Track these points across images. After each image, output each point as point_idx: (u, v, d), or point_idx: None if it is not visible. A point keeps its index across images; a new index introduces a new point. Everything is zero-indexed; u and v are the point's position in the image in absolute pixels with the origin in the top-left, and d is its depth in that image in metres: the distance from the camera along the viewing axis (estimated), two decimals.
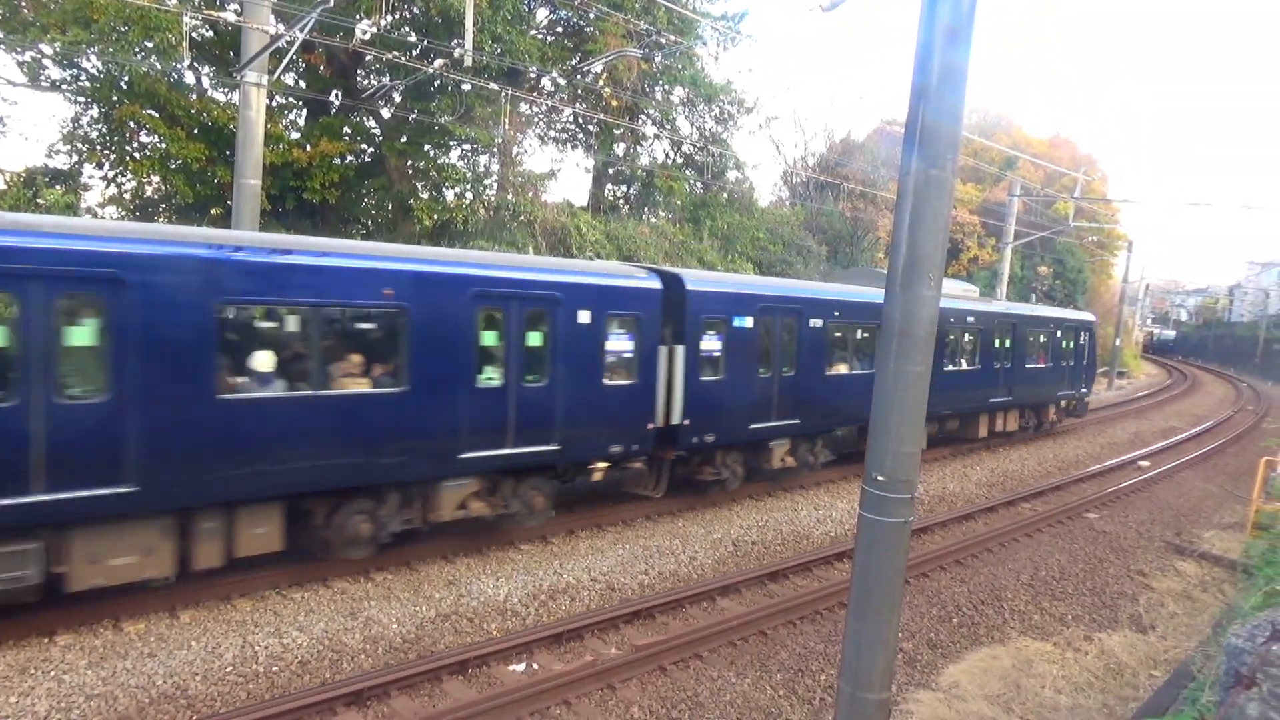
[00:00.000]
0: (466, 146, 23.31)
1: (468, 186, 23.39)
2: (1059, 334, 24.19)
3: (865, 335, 16.39)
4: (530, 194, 23.58)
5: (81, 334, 7.63)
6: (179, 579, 8.59)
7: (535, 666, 8.15)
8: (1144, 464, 21.32)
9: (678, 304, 12.70)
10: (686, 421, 12.80)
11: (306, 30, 12.47)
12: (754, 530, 13.09)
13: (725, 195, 29.50)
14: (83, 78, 18.57)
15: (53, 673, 7.28)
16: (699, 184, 29.16)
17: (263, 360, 8.77)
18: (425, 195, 22.65)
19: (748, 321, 13.66)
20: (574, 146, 28.36)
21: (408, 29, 20.75)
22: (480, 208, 23.03)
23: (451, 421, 10.13)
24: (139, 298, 7.73)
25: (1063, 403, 25.38)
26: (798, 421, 14.72)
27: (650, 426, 12.37)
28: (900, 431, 5.14)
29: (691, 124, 28.85)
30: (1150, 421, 30.48)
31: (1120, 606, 11.16)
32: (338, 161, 19.93)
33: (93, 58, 17.80)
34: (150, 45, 16.79)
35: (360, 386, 9.47)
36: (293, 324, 9.08)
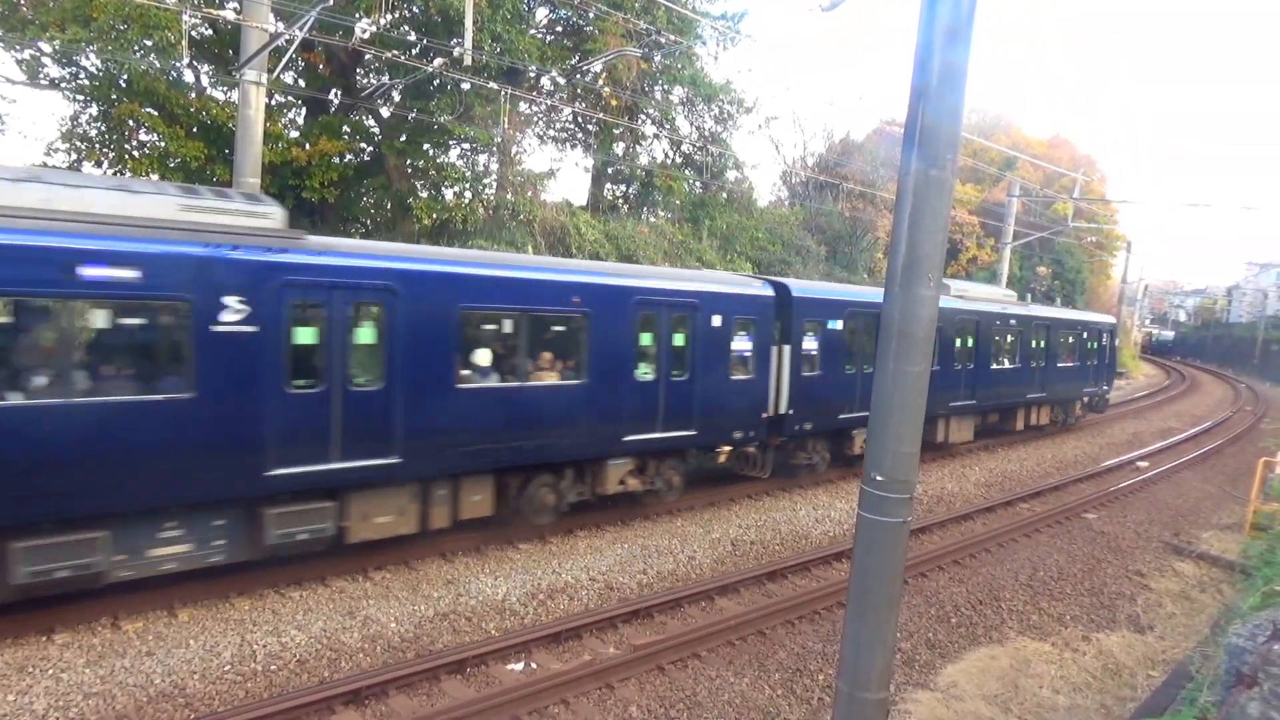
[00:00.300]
0: (466, 145, 23.27)
1: (467, 186, 23.36)
2: (1085, 335, 26.12)
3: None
4: (529, 193, 23.55)
5: (365, 334, 9.56)
6: (178, 578, 8.62)
7: (533, 666, 8.16)
8: (1142, 464, 21.34)
9: (785, 309, 14.66)
10: (791, 411, 14.77)
11: (306, 29, 12.46)
12: (752, 530, 13.10)
13: (724, 195, 29.49)
14: (82, 76, 18.54)
15: (51, 671, 7.28)
16: (698, 184, 29.16)
17: (483, 356, 10.70)
18: (424, 194, 22.61)
19: (838, 324, 15.74)
20: (573, 146, 28.34)
21: (407, 28, 20.73)
22: (479, 207, 23.00)
23: (617, 409, 12.01)
24: (406, 306, 9.67)
25: (1086, 399, 27.11)
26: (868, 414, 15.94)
27: (764, 415, 14.40)
28: (899, 431, 5.14)
29: (691, 124, 28.84)
30: (1149, 422, 30.51)
31: (1118, 607, 11.17)
32: (337, 160, 19.90)
33: (92, 56, 17.76)
34: (149, 43, 16.75)
35: (551, 379, 11.36)
36: (507, 326, 10.99)
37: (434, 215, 21.61)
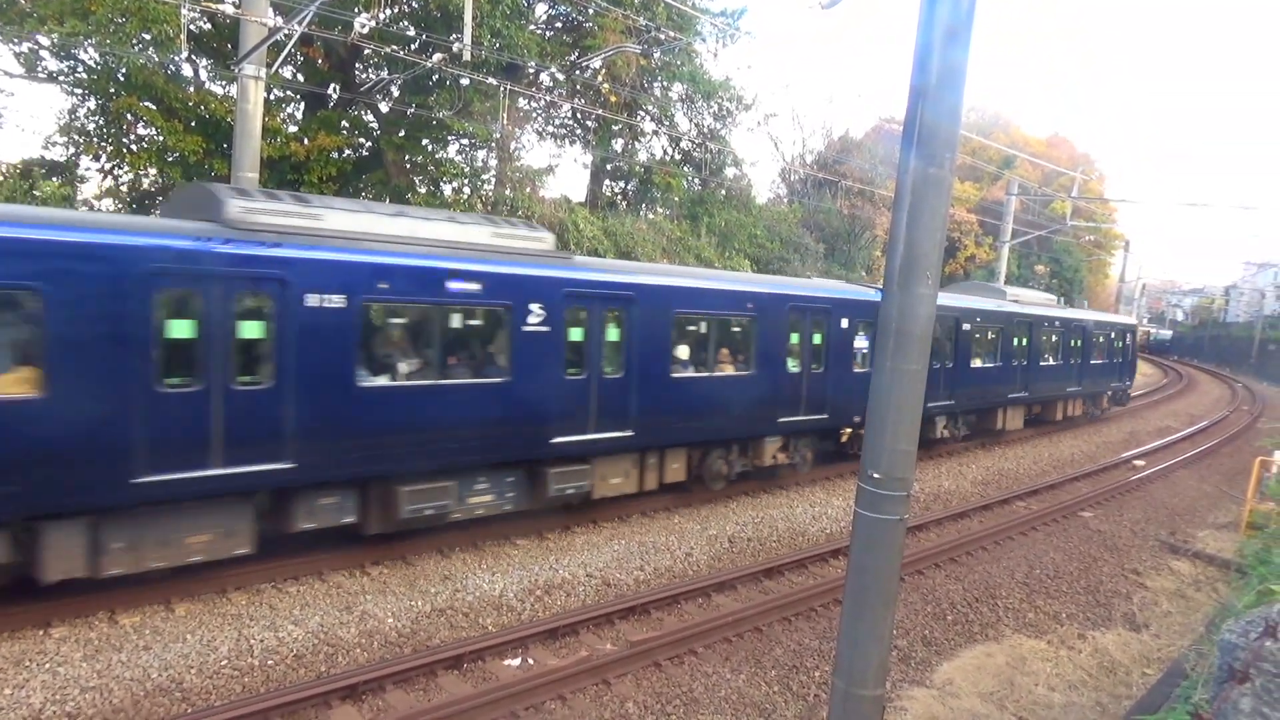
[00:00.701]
0: (464, 141, 23.27)
1: (465, 181, 23.37)
2: (1112, 335, 28.98)
3: (992, 336, 21.39)
4: (528, 189, 23.55)
5: (612, 333, 12.01)
6: (174, 574, 8.63)
7: (530, 661, 8.17)
8: (1139, 463, 21.38)
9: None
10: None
11: (305, 23, 12.44)
12: (750, 527, 13.11)
13: (723, 192, 29.49)
14: (80, 69, 18.50)
15: (48, 665, 7.28)
16: (697, 180, 29.15)
17: (684, 351, 13.17)
18: (423, 190, 22.61)
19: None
20: (572, 142, 28.34)
21: (406, 23, 20.70)
22: (478, 203, 22.99)
23: (774, 395, 14.46)
24: (639, 311, 12.15)
25: (1111, 392, 29.93)
26: (952, 403, 19.59)
27: None
28: (897, 429, 5.15)
29: (690, 120, 28.84)
30: (1146, 421, 30.55)
31: (1114, 605, 11.20)
32: (335, 155, 19.89)
33: (90, 49, 17.73)
34: (148, 37, 16.73)
35: (729, 370, 13.84)
36: (702, 327, 13.46)
37: None
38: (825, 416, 15.62)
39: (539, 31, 23.28)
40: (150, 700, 6.99)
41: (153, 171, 18.60)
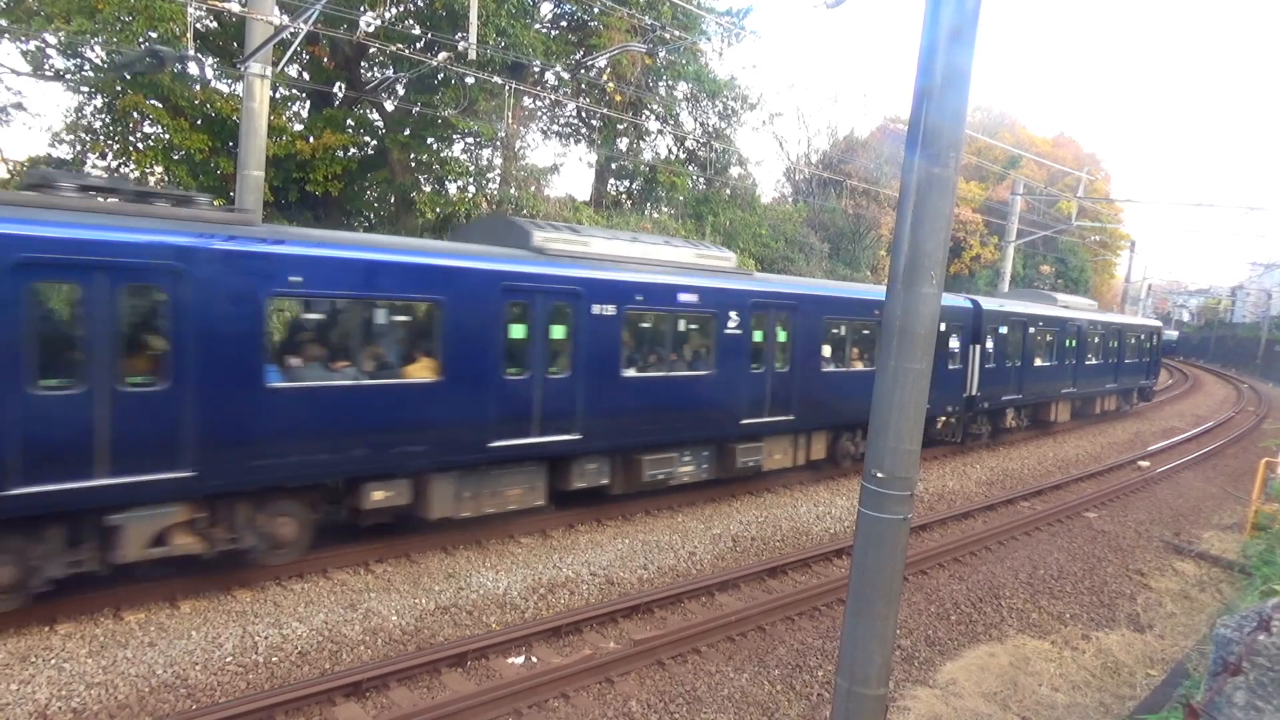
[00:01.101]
0: (469, 140, 23.30)
1: (470, 180, 23.37)
2: (1142, 337, 31.88)
3: (1050, 338, 23.73)
4: (533, 188, 23.57)
5: (781, 334, 14.48)
6: (179, 572, 8.65)
7: (534, 660, 8.18)
8: (1144, 464, 21.33)
9: (977, 317, 19.85)
10: (978, 393, 20.08)
11: (310, 22, 12.48)
12: (754, 526, 13.11)
13: (728, 191, 29.46)
14: (87, 68, 18.56)
15: (53, 661, 7.31)
16: (702, 180, 29.12)
17: (829, 350, 15.59)
18: (428, 188, 22.64)
19: (1005, 329, 20.94)
20: (577, 141, 28.35)
21: (411, 22, 20.73)
22: (483, 201, 23.00)
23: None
24: (800, 316, 14.73)
25: (1139, 389, 32.89)
26: (1020, 397, 22.22)
27: (964, 395, 19.70)
28: (900, 429, 5.14)
29: (695, 119, 28.81)
30: (1151, 422, 30.48)
31: (1118, 605, 11.18)
32: (341, 154, 19.92)
33: (97, 48, 17.79)
34: (154, 36, 16.77)
35: (860, 366, 16.18)
36: (842, 330, 16.03)
37: (437, 209, 21.63)
38: (928, 406, 18.25)
39: (544, 30, 23.29)
40: (155, 696, 7.02)
41: (159, 169, 18.65)
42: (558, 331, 11.26)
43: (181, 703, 7.01)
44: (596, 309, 11.52)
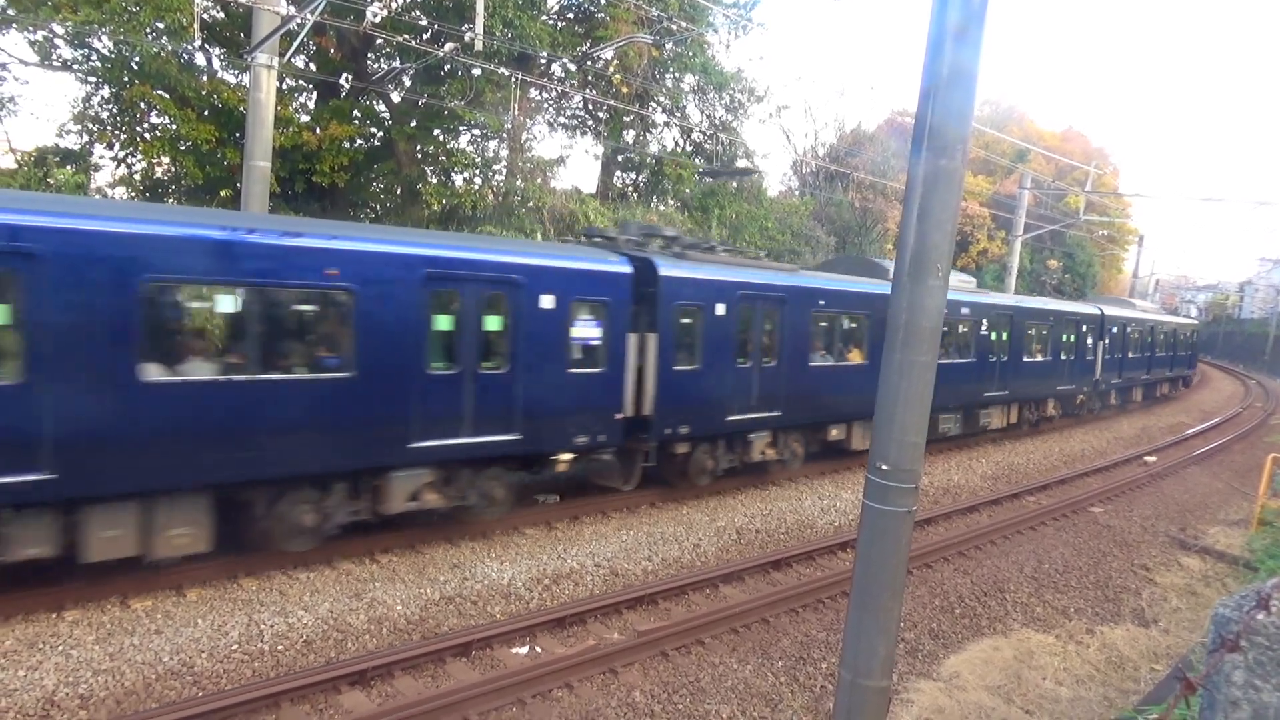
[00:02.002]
0: (476, 131, 23.26)
1: (476, 171, 23.35)
2: (1188, 334, 37.67)
3: (1135, 335, 29.36)
4: (539, 180, 23.55)
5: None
6: (186, 560, 8.71)
7: (538, 649, 8.21)
8: (1150, 459, 21.27)
9: (1100, 321, 24.99)
10: (1100, 377, 25.77)
11: (317, 12, 12.46)
12: (758, 519, 13.13)
13: (734, 184, 29.38)
14: (94, 58, 18.58)
15: (61, 647, 7.37)
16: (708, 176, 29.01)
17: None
18: (434, 180, 22.62)
19: (1120, 330, 26.82)
20: (583, 133, 28.27)
21: (418, 13, 20.68)
22: (489, 193, 22.99)
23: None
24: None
25: (1182, 380, 38.28)
26: (1120, 380, 28.24)
27: (1093, 378, 24.84)
28: (905, 421, 5.12)
29: (701, 112, 28.73)
30: (1157, 417, 30.38)
31: (1123, 600, 11.16)
32: (347, 145, 19.90)
33: (104, 38, 17.80)
34: (161, 26, 16.78)
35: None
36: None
37: (443, 201, 21.63)
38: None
39: (550, 22, 23.21)
40: (161, 683, 7.07)
41: (165, 160, 18.69)
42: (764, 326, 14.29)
43: (188, 689, 7.05)
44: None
